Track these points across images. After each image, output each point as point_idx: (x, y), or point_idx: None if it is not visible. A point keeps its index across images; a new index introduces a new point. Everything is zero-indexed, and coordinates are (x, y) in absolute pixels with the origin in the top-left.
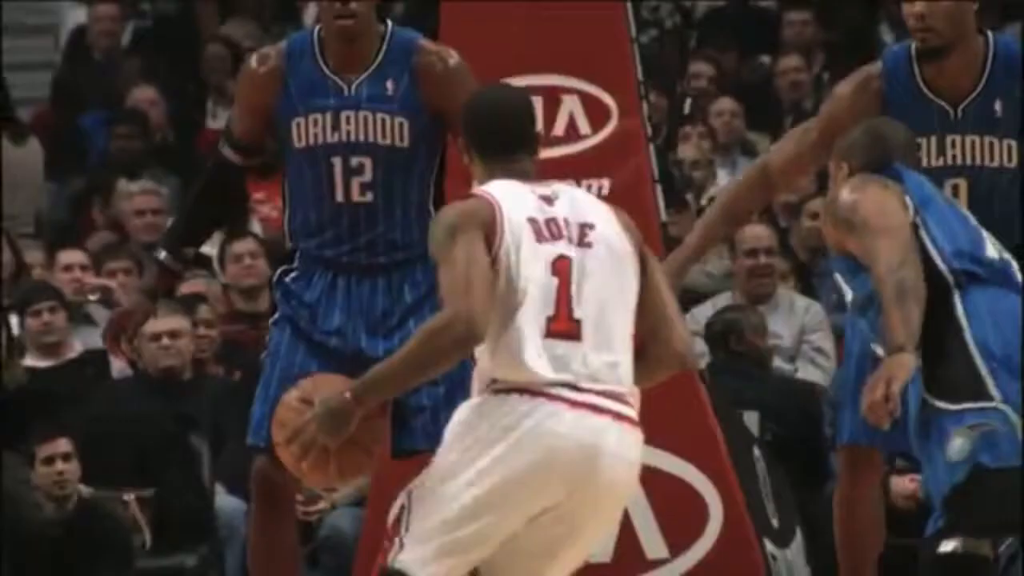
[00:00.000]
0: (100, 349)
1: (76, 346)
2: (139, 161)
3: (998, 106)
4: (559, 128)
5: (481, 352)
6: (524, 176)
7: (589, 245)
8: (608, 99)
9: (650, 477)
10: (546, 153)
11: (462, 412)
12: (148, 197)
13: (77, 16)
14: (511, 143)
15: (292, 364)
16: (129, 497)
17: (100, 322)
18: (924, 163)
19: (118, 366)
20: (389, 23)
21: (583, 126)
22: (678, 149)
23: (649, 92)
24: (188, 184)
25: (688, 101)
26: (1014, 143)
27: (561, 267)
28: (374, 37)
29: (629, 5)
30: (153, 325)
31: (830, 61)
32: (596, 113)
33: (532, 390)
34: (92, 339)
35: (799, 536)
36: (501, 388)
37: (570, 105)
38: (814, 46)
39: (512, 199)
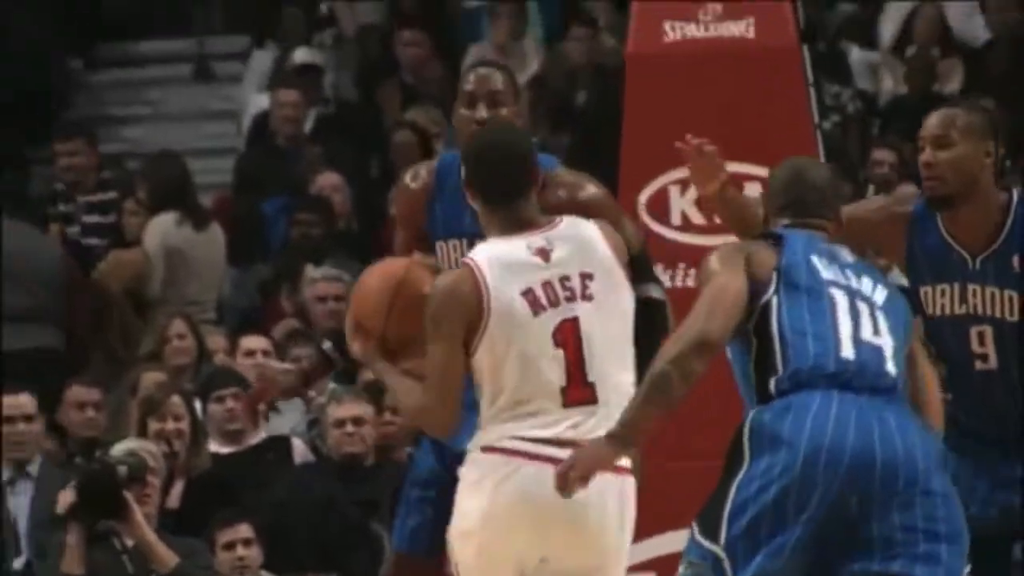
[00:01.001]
0: (283, 435)
1: (259, 432)
2: (321, 247)
3: (1016, 262)
4: None
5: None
6: (521, 222)
7: (591, 298)
8: None
9: None
10: (727, 240)
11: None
12: (330, 284)
13: (260, 102)
14: (509, 192)
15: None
16: None
17: (283, 409)
18: (948, 310)
19: (300, 451)
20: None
21: None
22: None
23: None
24: None
25: (871, 188)
26: None
27: (566, 334)
28: None
29: (812, 91)
30: (337, 411)
31: (1013, 148)
32: None
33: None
34: (275, 425)
35: None
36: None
37: (754, 192)
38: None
39: (504, 271)
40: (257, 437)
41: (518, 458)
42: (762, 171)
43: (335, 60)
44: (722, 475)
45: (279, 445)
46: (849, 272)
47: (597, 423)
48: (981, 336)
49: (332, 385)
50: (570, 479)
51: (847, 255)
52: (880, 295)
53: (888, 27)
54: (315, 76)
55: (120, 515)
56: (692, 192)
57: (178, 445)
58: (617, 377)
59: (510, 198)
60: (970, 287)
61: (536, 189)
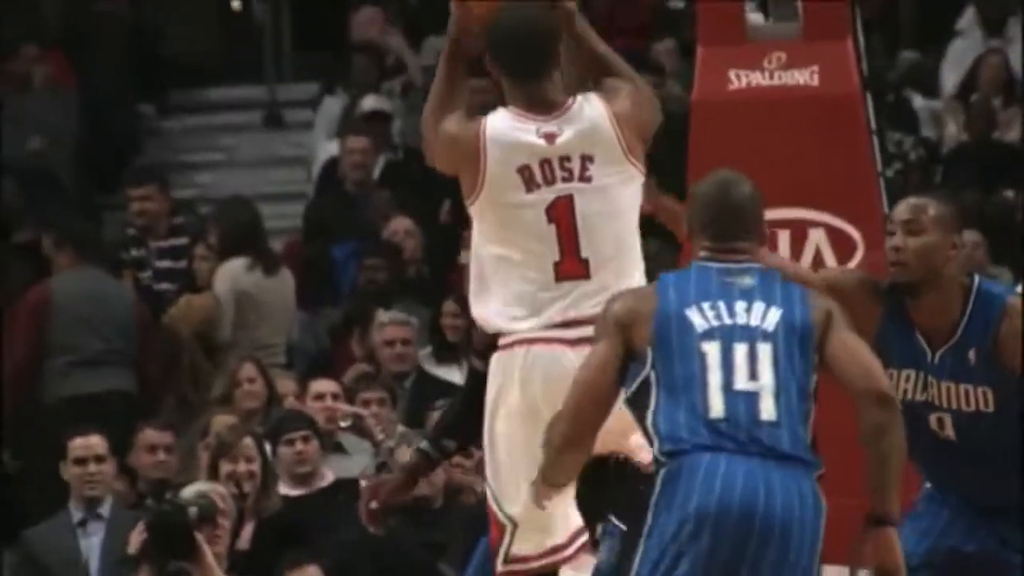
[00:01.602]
0: (352, 478)
1: (328, 475)
2: (390, 291)
3: (972, 355)
4: (806, 260)
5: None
6: (543, 102)
7: (589, 179)
8: (854, 232)
9: None
10: None
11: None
12: (398, 328)
13: (330, 148)
14: (531, 70)
15: None
16: None
17: (351, 451)
18: (910, 395)
19: None
20: None
21: (829, 258)
22: None
23: None
24: (438, 316)
25: None
26: (989, 390)
27: (560, 211)
28: None
29: (875, 139)
30: (405, 454)
31: None
32: (842, 246)
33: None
34: (344, 468)
35: None
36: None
37: (816, 238)
38: None
39: (505, 148)
40: (326, 480)
41: (526, 346)
42: (826, 218)
43: (403, 107)
44: (636, 528)
45: (348, 488)
46: (738, 305)
47: (588, 296)
48: (940, 421)
49: (401, 428)
50: None
51: (748, 279)
52: (772, 319)
53: (950, 75)
54: (384, 123)
55: (190, 556)
56: None
57: (248, 487)
58: (609, 253)
59: (532, 75)
60: (929, 378)
61: (558, 69)
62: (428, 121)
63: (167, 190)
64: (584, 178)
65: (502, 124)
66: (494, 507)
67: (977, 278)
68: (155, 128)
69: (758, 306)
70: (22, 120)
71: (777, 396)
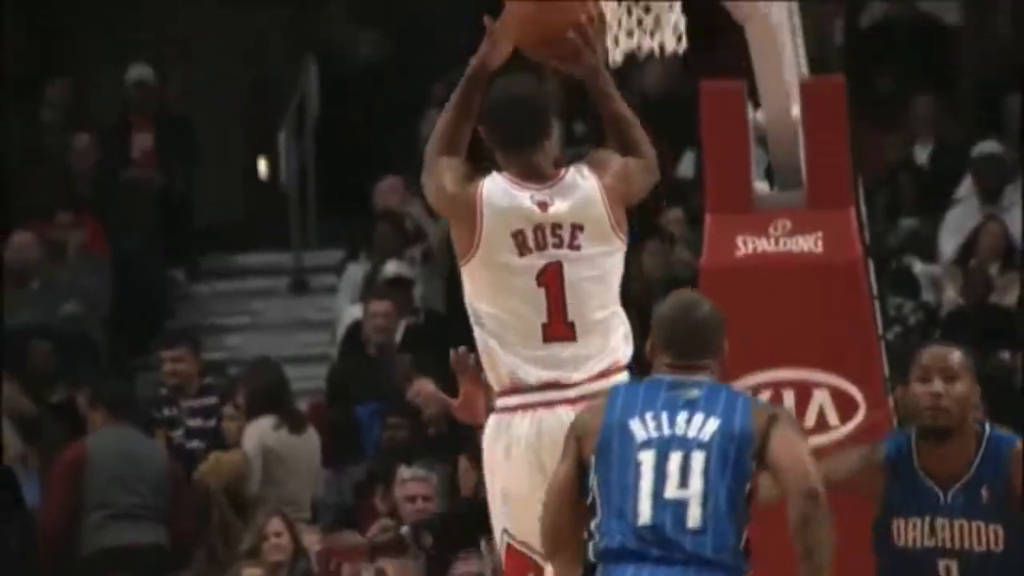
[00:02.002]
0: None
1: None
2: (411, 450)
3: (984, 493)
4: (809, 419)
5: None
6: (533, 171)
7: (578, 248)
8: (856, 393)
9: None
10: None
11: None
12: (419, 484)
13: (353, 312)
14: (521, 141)
15: None
16: None
17: None
18: (918, 543)
19: None
20: None
21: (832, 418)
22: None
23: (895, 386)
24: (455, 472)
25: None
26: (1000, 529)
27: (549, 277)
28: None
29: (876, 303)
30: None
31: None
32: (845, 406)
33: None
34: None
35: None
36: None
37: (820, 398)
38: None
39: (501, 214)
40: None
41: (519, 411)
42: (829, 378)
43: (424, 273)
44: None
45: None
46: (680, 416)
47: (573, 356)
48: (948, 569)
49: None
50: None
51: (695, 391)
52: (709, 429)
53: (948, 241)
54: (405, 288)
55: None
56: (765, 396)
57: None
58: (595, 317)
59: (523, 147)
60: (939, 521)
61: (549, 141)
62: (432, 157)
63: (198, 352)
64: (573, 247)
65: (498, 189)
66: (521, 553)
67: (988, 424)
68: (186, 293)
69: (698, 417)
70: (57, 285)
71: (704, 503)
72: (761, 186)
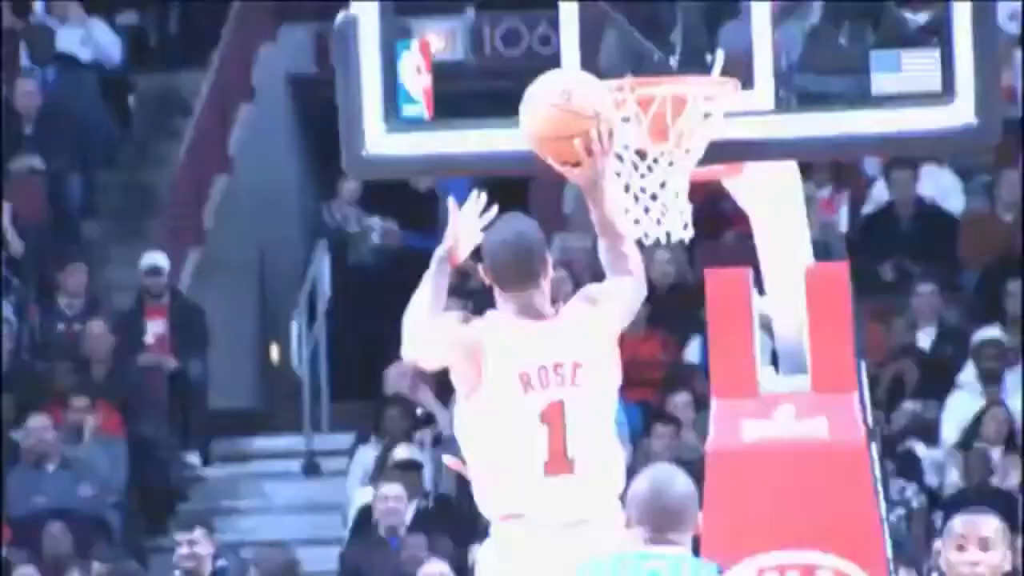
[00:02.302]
0: None
1: None
2: None
3: None
4: None
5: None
6: (532, 310)
7: (579, 385)
8: (860, 575)
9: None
10: None
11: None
12: None
13: (364, 495)
14: (521, 281)
15: None
16: None
17: None
18: None
19: None
20: None
21: None
22: None
23: (898, 568)
24: None
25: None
26: None
27: (552, 415)
28: None
29: (880, 486)
30: None
31: None
32: None
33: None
34: None
35: None
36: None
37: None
38: None
39: (506, 354)
40: None
41: (514, 542)
42: (833, 560)
43: (434, 456)
44: None
45: None
46: None
47: (573, 489)
48: None
49: None
50: None
51: (658, 562)
52: None
53: (950, 425)
54: (415, 471)
55: None
56: None
57: None
58: (593, 449)
59: (521, 288)
60: None
61: (547, 281)
62: (416, 325)
63: (212, 535)
64: (575, 383)
65: (501, 328)
66: None
67: None
68: (199, 476)
69: None
70: (73, 468)
71: None
72: (766, 371)
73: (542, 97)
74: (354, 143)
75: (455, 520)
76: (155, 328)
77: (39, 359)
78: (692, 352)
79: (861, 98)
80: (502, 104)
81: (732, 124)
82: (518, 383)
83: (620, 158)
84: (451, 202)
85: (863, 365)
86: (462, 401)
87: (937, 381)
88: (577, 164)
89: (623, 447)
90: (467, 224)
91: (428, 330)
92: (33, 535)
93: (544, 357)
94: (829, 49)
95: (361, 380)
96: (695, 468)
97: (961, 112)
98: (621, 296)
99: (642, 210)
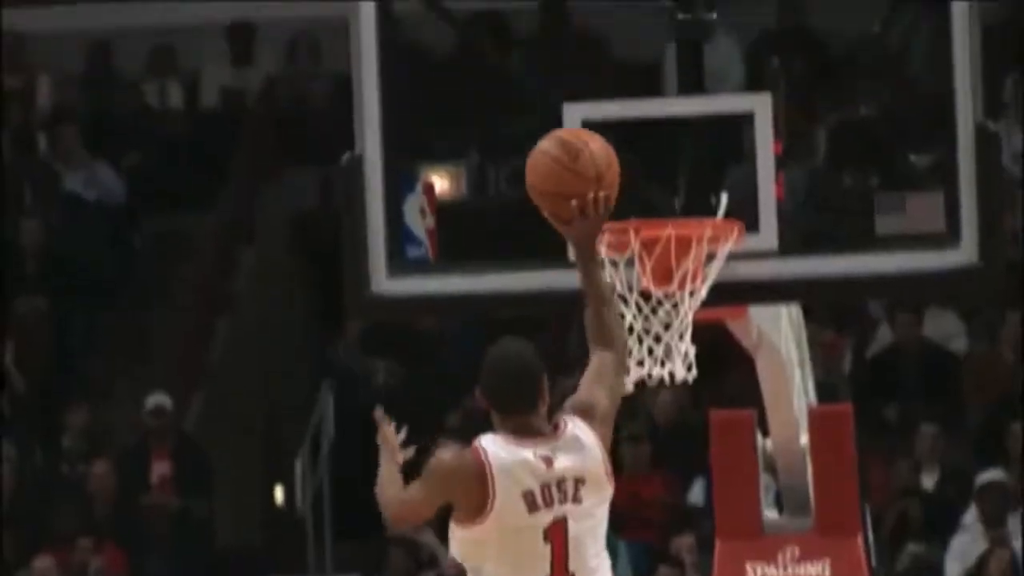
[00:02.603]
0: None
1: None
2: None
3: None
4: None
5: None
6: (530, 431)
7: (580, 501)
8: None
9: None
10: None
11: None
12: None
13: None
14: (520, 406)
15: None
16: None
17: None
18: None
19: None
20: None
21: None
22: None
23: None
24: None
25: None
26: None
27: (555, 532)
28: None
29: None
30: None
31: None
32: None
33: None
34: None
35: None
36: None
37: None
38: None
39: (511, 476)
40: None
41: None
42: None
43: None
44: None
45: None
46: None
47: None
48: None
49: None
50: None
51: None
52: None
53: (954, 567)
54: None
55: None
56: None
57: None
58: (592, 565)
59: (520, 411)
60: None
61: (544, 404)
62: (397, 491)
63: None
64: (576, 500)
65: (503, 451)
66: None
67: None
68: None
69: None
70: None
71: None
72: (770, 512)
73: (549, 151)
74: (358, 284)
75: None
76: (160, 469)
77: (42, 499)
78: (696, 494)
79: (865, 240)
80: (506, 245)
81: (736, 266)
82: (522, 503)
83: (625, 300)
84: (376, 413)
85: (867, 506)
86: (465, 525)
87: (941, 522)
88: (570, 222)
89: None
90: (393, 438)
91: (416, 491)
92: None
93: (547, 476)
94: (833, 191)
95: (365, 520)
96: None
97: (965, 254)
98: (609, 390)
99: (646, 351)
